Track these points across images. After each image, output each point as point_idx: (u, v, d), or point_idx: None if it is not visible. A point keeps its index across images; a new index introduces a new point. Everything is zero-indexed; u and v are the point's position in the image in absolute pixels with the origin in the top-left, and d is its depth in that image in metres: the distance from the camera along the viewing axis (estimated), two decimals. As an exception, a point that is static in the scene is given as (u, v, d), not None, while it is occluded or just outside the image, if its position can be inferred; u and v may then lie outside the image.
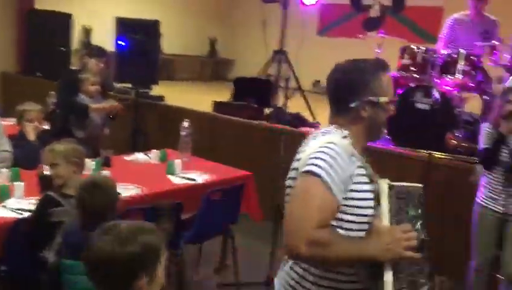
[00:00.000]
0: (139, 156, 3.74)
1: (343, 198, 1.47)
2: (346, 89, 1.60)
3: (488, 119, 3.19)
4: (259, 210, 3.60)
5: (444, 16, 4.97)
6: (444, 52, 4.45)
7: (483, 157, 3.00)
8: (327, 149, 1.49)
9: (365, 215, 1.50)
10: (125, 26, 5.07)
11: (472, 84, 4.42)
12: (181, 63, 8.88)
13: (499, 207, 2.95)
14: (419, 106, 4.18)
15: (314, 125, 5.08)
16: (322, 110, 5.74)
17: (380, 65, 1.64)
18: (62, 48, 6.66)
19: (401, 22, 7.52)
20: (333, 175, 1.46)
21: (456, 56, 4.32)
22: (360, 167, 1.53)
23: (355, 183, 1.50)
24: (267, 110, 5.33)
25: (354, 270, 1.49)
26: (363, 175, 1.52)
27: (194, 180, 3.28)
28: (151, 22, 5.22)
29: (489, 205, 3.03)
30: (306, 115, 5.41)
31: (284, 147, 3.51)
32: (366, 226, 1.49)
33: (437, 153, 3.93)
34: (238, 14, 9.25)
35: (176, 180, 3.25)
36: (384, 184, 1.52)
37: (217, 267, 3.66)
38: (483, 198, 3.07)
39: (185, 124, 3.69)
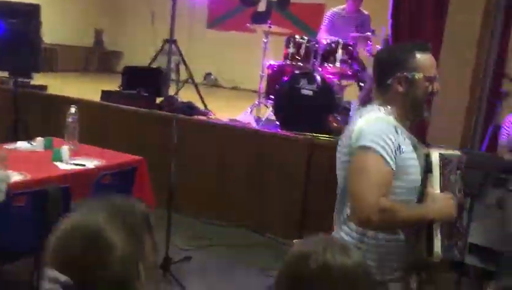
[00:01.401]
0: (22, 145, 3.51)
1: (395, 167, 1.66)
2: (385, 67, 1.75)
3: (358, 97, 3.51)
4: (153, 196, 3.58)
5: (325, 12, 5.35)
6: (324, 42, 4.79)
7: None
8: (378, 124, 1.68)
9: (413, 181, 1.70)
10: (1, 10, 4.69)
11: (349, 73, 4.81)
12: (64, 54, 8.41)
13: None
14: (304, 92, 4.45)
15: (207, 113, 5.16)
16: (213, 100, 5.90)
17: (418, 45, 1.76)
18: None
19: (286, 17, 7.89)
20: (386, 148, 1.64)
21: (335, 46, 4.67)
22: (406, 138, 1.72)
23: (403, 153, 1.68)
24: (158, 100, 5.29)
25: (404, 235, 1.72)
26: (409, 145, 1.71)
27: (83, 165, 3.17)
28: (32, 6, 4.89)
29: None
30: (198, 104, 5.46)
31: (177, 134, 3.54)
32: (413, 191, 1.70)
33: (320, 135, 4.22)
34: (125, 4, 9.00)
35: (64, 166, 3.12)
36: (436, 155, 1.71)
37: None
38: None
39: (72, 110, 3.54)
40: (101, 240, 0.92)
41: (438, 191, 1.69)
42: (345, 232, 1.81)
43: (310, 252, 1.13)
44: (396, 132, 1.70)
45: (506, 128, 3.25)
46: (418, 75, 1.71)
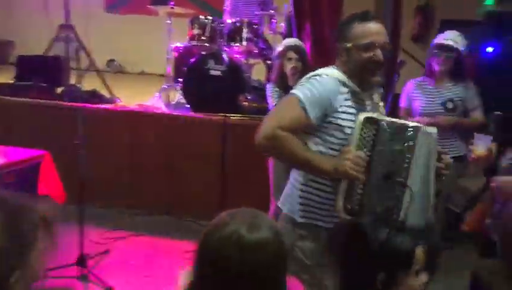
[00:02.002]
0: None
1: (319, 118, 1.81)
2: (335, 37, 1.94)
3: (271, 79, 3.56)
4: (62, 191, 3.40)
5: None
6: (229, 21, 4.78)
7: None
8: (311, 78, 1.85)
9: (343, 139, 1.81)
10: None
11: (256, 51, 4.85)
12: None
13: None
14: (213, 72, 4.42)
15: (113, 100, 4.96)
16: (119, 87, 5.68)
17: (359, 15, 1.89)
18: None
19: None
20: (310, 97, 1.79)
21: (240, 25, 4.67)
22: (353, 100, 1.84)
23: (338, 110, 1.82)
24: (58, 90, 4.98)
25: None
26: (350, 104, 1.83)
27: (-21, 165, 2.92)
28: None
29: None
30: (103, 92, 5.22)
31: (83, 124, 3.36)
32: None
33: (232, 114, 4.24)
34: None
35: (-42, 168, 2.86)
36: (361, 115, 1.76)
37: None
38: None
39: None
40: None
41: (352, 148, 1.77)
42: (293, 178, 1.98)
43: (217, 223, 1.17)
44: (338, 90, 1.83)
45: (407, 94, 3.47)
46: (349, 45, 1.86)
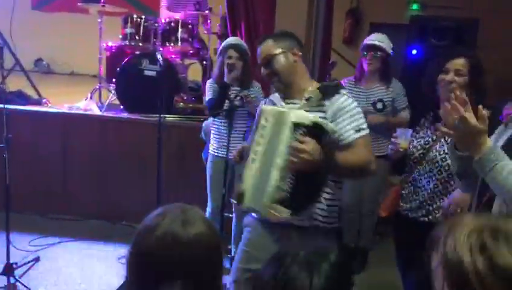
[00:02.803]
0: None
1: None
2: None
3: (212, 75, 3.56)
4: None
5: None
6: (163, 21, 4.70)
7: (210, 105, 3.34)
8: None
9: None
10: None
11: (191, 51, 4.81)
12: None
13: (225, 152, 3.34)
14: (147, 72, 4.34)
15: (41, 101, 4.73)
16: (48, 88, 5.43)
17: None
18: None
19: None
20: None
21: (174, 25, 4.62)
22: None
23: None
24: (-20, 90, 4.68)
25: None
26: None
27: None
28: None
29: (218, 153, 3.41)
30: (30, 93, 4.97)
31: (9, 127, 3.19)
32: None
33: (167, 115, 4.18)
34: None
35: None
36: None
37: None
38: (213, 148, 3.44)
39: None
40: None
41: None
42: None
43: (149, 225, 1.14)
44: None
45: None
46: None
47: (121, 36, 4.72)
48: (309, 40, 4.27)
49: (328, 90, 2.04)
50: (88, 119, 4.33)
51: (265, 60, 2.10)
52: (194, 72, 5.37)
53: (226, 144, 3.26)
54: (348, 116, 1.99)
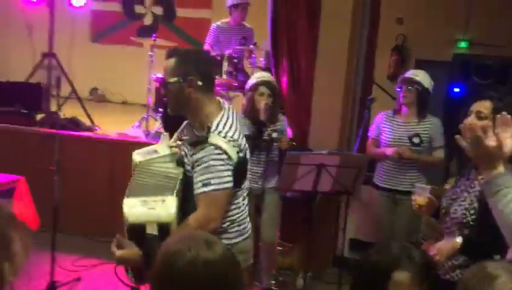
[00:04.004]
0: None
1: None
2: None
3: (242, 110, 3.66)
4: (36, 218, 3.40)
5: (210, 26, 5.47)
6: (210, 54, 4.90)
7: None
8: None
9: None
10: None
11: (236, 84, 4.97)
12: None
13: (255, 184, 3.39)
14: (192, 103, 4.50)
15: (93, 128, 5.00)
16: (101, 115, 5.73)
17: None
18: None
19: (173, 30, 7.91)
20: None
21: (220, 58, 4.81)
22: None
23: None
24: (38, 116, 5.02)
25: None
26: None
27: None
28: None
29: (250, 184, 3.47)
30: (84, 120, 5.27)
31: (60, 150, 3.41)
32: None
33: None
34: (-2, 17, 8.39)
35: None
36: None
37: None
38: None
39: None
40: None
41: None
42: None
43: (175, 251, 1.19)
44: None
45: (377, 125, 3.62)
46: None
47: (168, 68, 4.94)
48: (350, 76, 4.33)
49: (195, 141, 1.96)
50: (135, 146, 4.52)
51: (162, 83, 2.08)
52: (237, 104, 5.52)
53: (254, 174, 3.33)
54: (200, 168, 1.91)
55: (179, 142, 2.07)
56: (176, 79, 1.98)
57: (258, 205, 3.35)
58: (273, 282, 3.69)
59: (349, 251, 4.00)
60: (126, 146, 4.54)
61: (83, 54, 7.62)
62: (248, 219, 2.17)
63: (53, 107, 5.35)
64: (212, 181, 1.89)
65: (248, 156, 2.08)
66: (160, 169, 1.97)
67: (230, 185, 1.93)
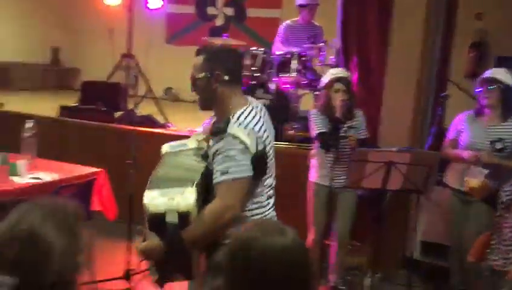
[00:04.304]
0: (-25, 161, 3.47)
1: None
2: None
3: (316, 106, 3.66)
4: (115, 208, 3.60)
5: (279, 25, 5.52)
6: (279, 53, 4.95)
7: (324, 140, 3.39)
8: None
9: None
10: None
11: (304, 82, 4.98)
12: (19, 72, 8.28)
13: (328, 182, 3.40)
14: (260, 101, 4.57)
15: (166, 125, 5.22)
16: (174, 114, 5.95)
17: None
18: None
19: (243, 30, 8.06)
20: None
21: (289, 56, 4.83)
22: None
23: None
24: (117, 114, 5.31)
25: None
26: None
27: (40, 179, 3.17)
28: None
29: (321, 182, 3.47)
30: (158, 118, 5.50)
31: (136, 145, 3.59)
32: None
33: (277, 142, 4.34)
34: (82, 21, 8.96)
35: (20, 180, 3.12)
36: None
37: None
38: (316, 176, 3.52)
39: (28, 124, 3.53)
40: (38, 240, 0.96)
41: None
42: None
43: (249, 238, 1.19)
44: None
45: (456, 126, 3.43)
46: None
47: (239, 67, 5.05)
48: (423, 73, 4.19)
49: (215, 131, 2.00)
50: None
51: (191, 79, 2.12)
52: (306, 102, 5.51)
53: (329, 173, 3.32)
54: (218, 158, 1.93)
55: (208, 136, 2.11)
56: (203, 74, 2.05)
57: (331, 203, 3.35)
58: (341, 281, 3.65)
59: (420, 253, 3.87)
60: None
61: (159, 55, 7.95)
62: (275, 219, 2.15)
63: (130, 106, 5.64)
64: (230, 170, 1.90)
65: (270, 151, 2.08)
66: (184, 162, 2.02)
67: (249, 173, 1.92)
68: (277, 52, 4.99)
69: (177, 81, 8.42)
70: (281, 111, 4.49)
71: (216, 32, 7.86)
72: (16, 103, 5.94)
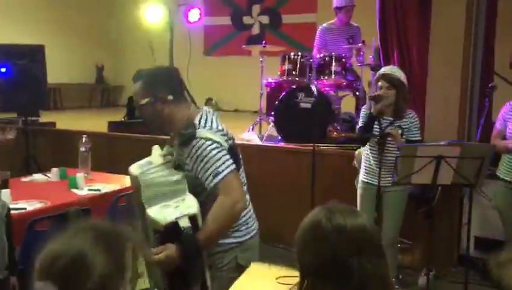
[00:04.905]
0: (37, 177, 3.68)
1: None
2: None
3: (366, 102, 3.66)
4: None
5: (316, 29, 5.56)
6: (318, 56, 4.98)
7: (358, 134, 3.42)
8: None
9: None
10: (6, 53, 4.92)
11: (345, 83, 4.98)
12: (68, 92, 8.66)
13: (375, 180, 3.39)
14: (303, 105, 4.62)
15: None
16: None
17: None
18: None
19: (279, 37, 8.14)
20: None
21: (328, 59, 4.86)
22: None
23: None
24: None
25: None
26: None
27: (98, 190, 3.32)
28: (36, 46, 5.12)
29: (368, 179, 3.46)
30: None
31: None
32: None
33: (321, 144, 4.37)
34: (124, 39, 9.29)
35: (80, 192, 3.27)
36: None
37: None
38: (363, 175, 3.51)
39: (84, 139, 3.71)
40: (83, 260, 1.03)
41: None
42: None
43: (319, 220, 1.24)
44: None
45: (502, 116, 3.37)
46: None
47: (279, 73, 5.12)
48: (466, 64, 4.12)
49: (183, 140, 1.99)
50: (249, 148, 4.73)
51: (136, 106, 2.12)
52: (347, 103, 5.51)
53: (375, 171, 3.31)
54: (202, 164, 1.95)
55: (170, 149, 2.13)
56: (147, 100, 2.05)
57: (379, 202, 3.33)
58: (394, 280, 3.62)
59: (475, 249, 3.78)
60: (243, 149, 4.76)
61: (198, 67, 8.13)
62: (254, 216, 2.24)
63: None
64: (220, 169, 1.95)
65: (235, 144, 2.14)
66: (164, 178, 2.02)
67: (234, 166, 2.00)
68: (316, 56, 5.02)
69: (217, 92, 8.60)
70: (324, 113, 4.51)
71: (253, 41, 7.98)
72: (66, 121, 6.22)
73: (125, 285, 1.08)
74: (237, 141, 5.03)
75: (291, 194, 4.43)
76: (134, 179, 2.07)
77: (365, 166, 3.49)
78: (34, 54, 5.07)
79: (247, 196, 2.18)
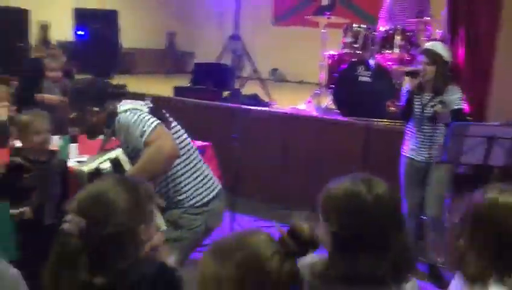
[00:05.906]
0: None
1: None
2: None
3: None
4: (220, 176, 3.89)
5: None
6: (382, 29, 4.86)
7: (401, 110, 3.39)
8: None
9: None
10: (83, 17, 5.23)
11: (408, 58, 4.84)
12: (140, 56, 9.04)
13: (419, 157, 3.34)
14: (362, 78, 4.57)
15: (270, 104, 5.41)
16: (279, 93, 6.13)
17: None
18: (20, 44, 6.69)
19: (349, 8, 7.94)
20: None
21: (392, 32, 4.73)
22: None
23: None
24: (225, 93, 5.63)
25: None
26: None
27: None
28: (110, 12, 5.40)
29: (412, 155, 3.42)
30: (264, 97, 5.71)
31: (241, 122, 3.83)
32: None
33: (378, 119, 4.32)
34: (194, 7, 9.49)
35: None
36: None
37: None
38: (407, 150, 3.47)
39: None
40: (105, 198, 1.25)
41: None
42: None
43: (358, 191, 1.35)
44: None
45: None
46: None
47: (341, 45, 5.06)
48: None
49: (110, 123, 2.19)
50: (306, 120, 4.78)
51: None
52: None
53: (420, 147, 3.27)
54: (129, 132, 2.14)
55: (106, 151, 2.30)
56: (75, 114, 2.30)
57: (424, 178, 3.29)
58: (441, 260, 3.58)
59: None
60: (297, 119, 4.83)
61: (265, 36, 8.18)
62: (214, 179, 2.43)
63: (237, 86, 5.93)
64: (144, 129, 2.12)
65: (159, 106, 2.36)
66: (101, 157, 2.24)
67: (158, 121, 2.16)
68: (381, 28, 4.90)
69: (283, 62, 8.62)
70: (382, 87, 4.44)
71: (322, 12, 7.87)
72: (136, 85, 6.54)
73: (145, 220, 1.27)
74: (294, 111, 5.10)
75: (345, 167, 4.41)
76: (81, 177, 2.24)
77: (409, 141, 3.45)
78: (108, 19, 5.36)
79: (200, 157, 2.41)
